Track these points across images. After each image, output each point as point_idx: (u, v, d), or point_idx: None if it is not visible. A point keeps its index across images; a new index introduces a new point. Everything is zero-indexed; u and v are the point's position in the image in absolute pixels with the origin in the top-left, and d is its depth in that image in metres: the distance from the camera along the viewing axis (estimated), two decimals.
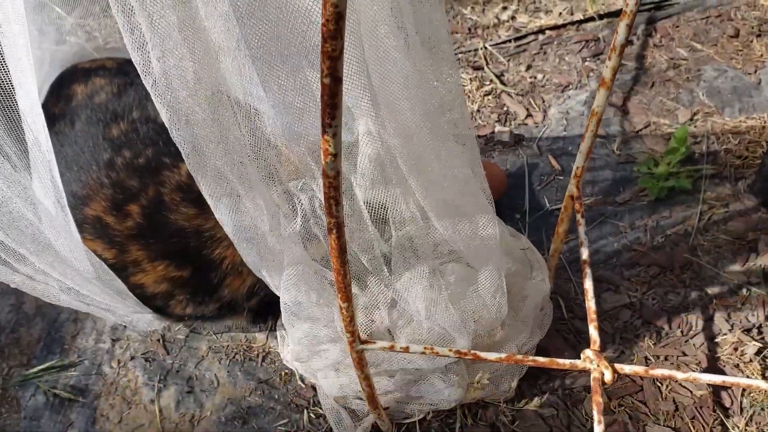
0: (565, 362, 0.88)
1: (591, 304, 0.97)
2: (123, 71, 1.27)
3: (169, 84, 0.61)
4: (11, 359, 1.18)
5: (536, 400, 1.10)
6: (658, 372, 0.89)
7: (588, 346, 0.94)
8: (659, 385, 1.16)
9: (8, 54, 0.72)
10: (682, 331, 1.23)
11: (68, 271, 0.98)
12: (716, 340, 1.22)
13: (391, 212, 0.91)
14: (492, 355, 0.88)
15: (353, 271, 0.97)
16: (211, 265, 1.03)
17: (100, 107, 1.17)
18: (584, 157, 1.03)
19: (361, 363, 0.92)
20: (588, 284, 1.00)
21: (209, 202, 0.78)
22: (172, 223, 1.03)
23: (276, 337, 1.17)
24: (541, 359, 0.88)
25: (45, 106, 1.22)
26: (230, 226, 0.82)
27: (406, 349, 0.89)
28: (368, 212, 0.91)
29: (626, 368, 0.88)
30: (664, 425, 1.11)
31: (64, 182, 0.96)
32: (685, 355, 1.20)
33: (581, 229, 1.04)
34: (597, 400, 0.89)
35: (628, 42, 0.87)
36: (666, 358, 1.19)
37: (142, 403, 1.09)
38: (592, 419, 1.11)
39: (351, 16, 0.73)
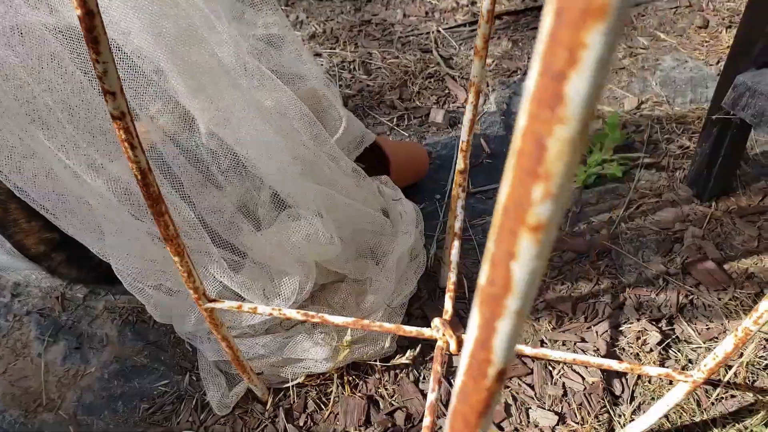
0: (411, 329, 0.87)
1: (452, 275, 0.95)
2: None
3: None
4: None
5: (408, 353, 1.09)
6: None
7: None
8: (551, 369, 1.13)
9: None
10: (586, 318, 1.19)
11: None
12: (621, 329, 1.18)
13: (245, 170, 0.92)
14: (338, 319, 0.87)
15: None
16: None
17: None
18: (467, 130, 1.01)
19: (214, 322, 0.92)
20: (454, 255, 0.98)
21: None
22: None
23: None
24: (387, 325, 0.87)
25: None
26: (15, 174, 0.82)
27: (254, 310, 0.89)
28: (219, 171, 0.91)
29: None
30: (548, 409, 1.08)
31: None
32: (584, 341, 1.16)
33: (459, 203, 1.03)
34: (435, 368, 0.87)
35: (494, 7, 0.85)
36: (564, 343, 1.16)
37: (30, 356, 1.11)
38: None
39: None
